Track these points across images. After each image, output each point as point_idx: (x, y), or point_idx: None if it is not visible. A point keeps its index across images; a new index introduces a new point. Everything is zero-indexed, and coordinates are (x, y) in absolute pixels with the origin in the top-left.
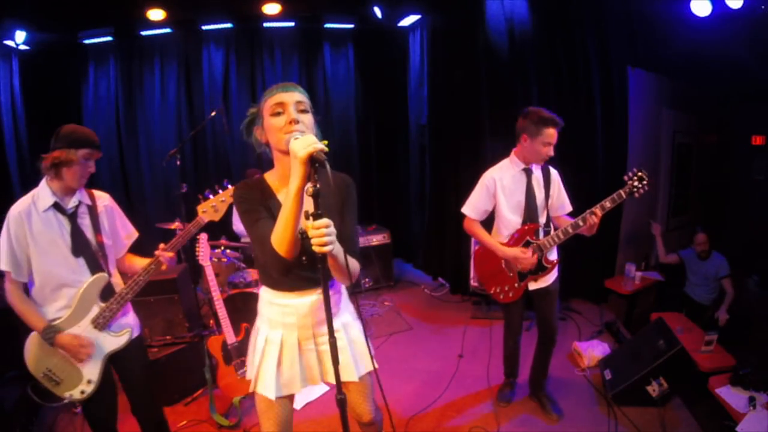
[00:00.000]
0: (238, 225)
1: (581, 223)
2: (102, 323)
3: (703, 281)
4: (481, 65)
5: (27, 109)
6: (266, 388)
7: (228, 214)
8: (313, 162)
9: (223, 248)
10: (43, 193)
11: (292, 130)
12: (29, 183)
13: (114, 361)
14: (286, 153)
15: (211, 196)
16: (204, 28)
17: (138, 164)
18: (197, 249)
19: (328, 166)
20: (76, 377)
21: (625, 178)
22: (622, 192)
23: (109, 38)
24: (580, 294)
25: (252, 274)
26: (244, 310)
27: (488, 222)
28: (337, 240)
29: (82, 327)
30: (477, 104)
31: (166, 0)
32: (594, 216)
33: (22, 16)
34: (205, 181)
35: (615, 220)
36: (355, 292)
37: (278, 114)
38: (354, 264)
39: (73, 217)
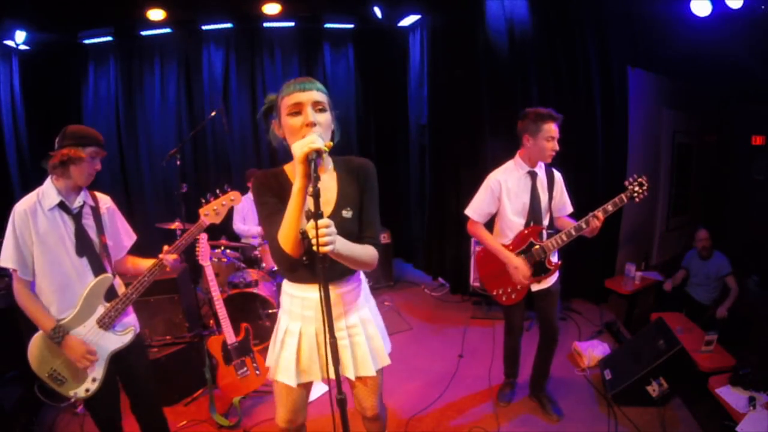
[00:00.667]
0: (238, 225)
1: (584, 226)
2: (107, 323)
3: (704, 281)
4: (481, 65)
5: (27, 109)
6: (286, 375)
7: (228, 215)
8: (310, 162)
9: (223, 248)
10: (48, 192)
11: (308, 132)
12: (29, 183)
13: (116, 359)
14: None
15: (212, 199)
16: (204, 28)
17: (138, 164)
18: (197, 249)
19: (313, 166)
20: (80, 376)
21: (626, 183)
22: (623, 196)
23: (109, 38)
24: (581, 294)
25: (252, 274)
26: (244, 310)
27: (488, 222)
28: (357, 226)
29: (87, 327)
30: (477, 104)
31: (166, 0)
32: (596, 219)
33: (22, 16)
34: (205, 181)
35: (615, 220)
36: None
37: (295, 114)
38: (370, 252)
39: (77, 217)
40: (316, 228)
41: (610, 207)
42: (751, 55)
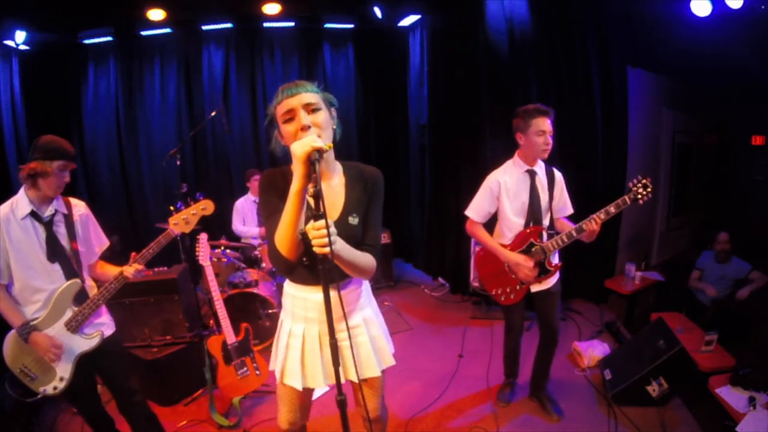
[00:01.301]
0: (237, 226)
1: (585, 228)
2: (75, 326)
3: (717, 281)
4: (481, 65)
5: (27, 109)
6: (293, 378)
7: (228, 214)
8: (311, 162)
9: (223, 248)
10: (21, 201)
11: (304, 136)
12: None
13: (89, 361)
14: None
15: (183, 208)
16: (204, 28)
17: (138, 164)
18: (197, 249)
19: (317, 166)
20: (50, 374)
21: (630, 184)
22: (626, 198)
23: (109, 38)
24: (581, 294)
25: (252, 274)
26: (244, 310)
27: (489, 223)
28: (362, 233)
29: (56, 329)
30: (477, 104)
31: (166, 0)
32: (594, 222)
33: (22, 16)
34: (205, 181)
35: (615, 220)
36: None
37: (289, 120)
38: (369, 260)
39: (49, 225)
40: (327, 227)
41: (612, 209)
42: (751, 55)
